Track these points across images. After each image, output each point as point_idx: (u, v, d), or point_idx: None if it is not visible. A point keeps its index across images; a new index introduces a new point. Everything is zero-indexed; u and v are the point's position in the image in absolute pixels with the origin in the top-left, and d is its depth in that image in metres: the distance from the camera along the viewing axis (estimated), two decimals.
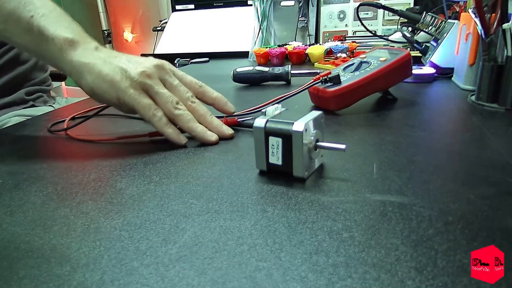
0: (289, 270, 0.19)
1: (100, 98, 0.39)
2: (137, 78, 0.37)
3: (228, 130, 0.40)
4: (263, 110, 0.31)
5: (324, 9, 1.22)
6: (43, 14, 0.39)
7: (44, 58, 0.41)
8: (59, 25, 0.39)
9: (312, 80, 0.46)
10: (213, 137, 0.39)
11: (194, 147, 0.38)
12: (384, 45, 0.92)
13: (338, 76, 0.46)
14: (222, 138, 0.40)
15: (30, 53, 0.43)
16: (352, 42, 1.01)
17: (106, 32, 2.41)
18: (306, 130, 0.28)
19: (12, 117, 0.68)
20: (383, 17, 1.16)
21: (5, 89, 0.71)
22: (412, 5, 1.11)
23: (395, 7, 0.86)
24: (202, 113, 0.40)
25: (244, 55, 1.14)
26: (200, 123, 0.39)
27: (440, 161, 0.32)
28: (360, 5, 1.00)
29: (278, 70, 0.70)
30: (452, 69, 0.67)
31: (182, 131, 0.39)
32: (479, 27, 0.48)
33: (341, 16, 1.20)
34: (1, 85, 0.70)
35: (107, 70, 0.37)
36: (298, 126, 0.27)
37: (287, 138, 0.28)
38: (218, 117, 0.42)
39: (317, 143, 0.29)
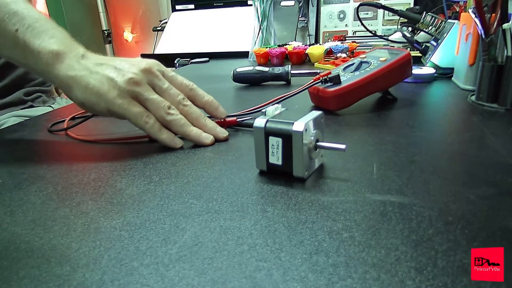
0: (289, 270, 0.19)
1: (91, 111, 0.39)
2: (125, 86, 0.36)
3: (222, 133, 0.40)
4: (263, 110, 0.31)
5: (324, 9, 1.22)
6: (28, 26, 0.38)
7: (34, 72, 0.40)
8: (44, 37, 0.38)
9: (312, 80, 0.46)
10: (208, 139, 0.39)
11: (194, 147, 0.38)
12: (384, 45, 0.92)
13: (338, 76, 0.46)
14: (217, 140, 0.40)
15: (21, 66, 0.42)
16: (352, 42, 1.02)
17: (106, 32, 2.41)
18: (306, 130, 0.28)
19: (10, 118, 0.68)
20: (383, 17, 1.16)
21: (5, 90, 0.71)
22: (412, 5, 1.11)
23: (395, 7, 0.86)
24: (195, 116, 0.39)
25: (244, 55, 1.14)
26: (194, 126, 0.39)
27: (440, 161, 0.32)
28: (360, 5, 1.00)
29: (278, 70, 0.70)
30: (452, 69, 0.67)
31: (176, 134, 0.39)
32: (479, 27, 0.48)
33: (341, 16, 1.20)
34: (1, 86, 0.70)
35: (94, 82, 0.36)
36: (298, 126, 0.27)
37: (287, 138, 0.28)
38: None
39: (317, 143, 0.29)
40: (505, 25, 0.45)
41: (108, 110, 0.37)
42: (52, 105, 0.80)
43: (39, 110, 0.74)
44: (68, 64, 0.38)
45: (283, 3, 1.26)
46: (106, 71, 0.37)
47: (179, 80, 0.41)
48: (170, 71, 0.41)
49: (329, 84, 0.47)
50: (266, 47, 1.03)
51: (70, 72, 0.37)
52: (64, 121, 0.49)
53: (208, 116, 0.41)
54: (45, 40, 0.38)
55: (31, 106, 0.75)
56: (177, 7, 1.55)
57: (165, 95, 0.39)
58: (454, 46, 0.65)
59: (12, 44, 0.39)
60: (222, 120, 0.43)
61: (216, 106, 0.42)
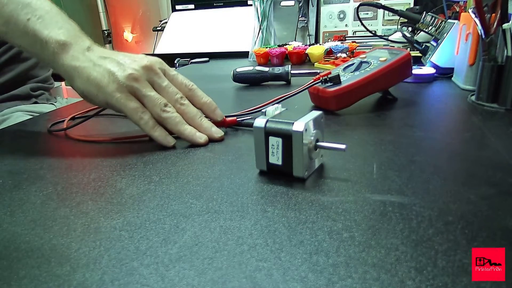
0: (289, 270, 0.19)
1: (91, 102, 0.40)
2: (124, 81, 0.37)
3: (217, 133, 0.40)
4: (263, 110, 0.31)
5: (324, 9, 1.22)
6: (40, 16, 0.40)
7: (41, 60, 0.42)
8: (53, 27, 0.40)
9: (312, 80, 0.46)
10: (202, 138, 0.39)
11: (193, 147, 0.38)
12: (384, 45, 0.92)
13: (338, 76, 0.46)
14: (212, 140, 0.40)
15: (30, 55, 0.44)
16: (352, 42, 1.01)
17: (106, 32, 2.41)
18: (306, 130, 0.28)
19: (15, 112, 0.68)
20: (383, 17, 1.16)
21: (9, 86, 0.71)
22: (412, 5, 1.11)
23: (395, 7, 0.86)
24: (191, 116, 0.40)
25: (244, 55, 1.14)
26: (189, 125, 0.39)
27: (440, 161, 0.32)
28: (360, 5, 1.00)
29: (278, 70, 0.70)
30: (452, 69, 0.67)
31: (172, 132, 0.39)
32: (479, 27, 0.48)
33: (341, 16, 1.20)
34: (4, 82, 0.70)
35: (95, 74, 0.37)
36: (298, 126, 0.27)
37: (287, 138, 0.28)
38: None
39: (317, 143, 0.29)
40: (505, 25, 0.45)
41: (106, 102, 0.38)
42: (54, 103, 0.80)
43: (43, 107, 0.74)
44: (73, 55, 0.39)
45: (283, 3, 1.26)
46: (109, 65, 0.38)
47: (180, 80, 0.41)
48: (172, 70, 0.41)
49: (329, 84, 0.47)
50: (266, 47, 1.03)
51: (74, 62, 0.38)
52: (64, 121, 0.49)
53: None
54: (53, 30, 0.39)
55: (36, 103, 0.75)
56: (177, 7, 1.55)
57: (163, 93, 0.39)
58: (454, 46, 0.65)
59: (22, 33, 0.40)
60: (221, 120, 0.42)
61: (213, 109, 0.42)
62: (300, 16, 1.30)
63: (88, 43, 0.40)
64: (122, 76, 0.37)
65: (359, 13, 1.16)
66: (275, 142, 0.28)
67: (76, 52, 0.39)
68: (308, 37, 1.33)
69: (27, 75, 0.75)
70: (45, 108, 0.74)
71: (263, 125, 0.29)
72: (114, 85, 0.37)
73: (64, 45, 0.39)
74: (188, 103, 0.40)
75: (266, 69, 0.71)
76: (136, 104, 0.38)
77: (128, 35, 2.49)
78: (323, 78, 0.46)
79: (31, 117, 0.63)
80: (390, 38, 0.88)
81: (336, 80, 0.46)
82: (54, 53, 0.39)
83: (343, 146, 0.28)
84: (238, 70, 0.71)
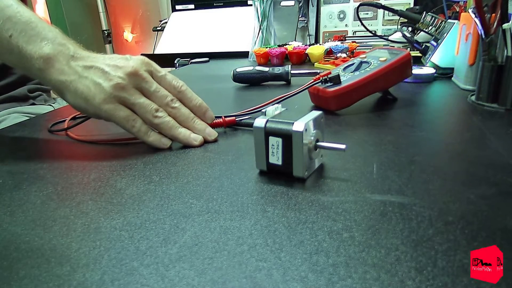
0: (289, 270, 0.19)
1: (84, 113, 0.40)
2: (111, 92, 0.37)
3: (211, 135, 0.40)
4: (263, 110, 0.31)
5: (324, 9, 1.22)
6: (21, 31, 0.39)
7: (31, 75, 0.41)
8: (35, 40, 0.38)
9: (312, 80, 0.46)
10: (197, 140, 0.39)
11: (194, 147, 0.38)
12: (384, 45, 0.92)
13: (338, 76, 0.46)
14: (206, 141, 0.39)
15: (21, 71, 0.42)
16: (352, 42, 1.01)
17: (106, 32, 2.41)
18: (306, 130, 0.28)
19: (12, 114, 0.68)
20: (383, 17, 1.16)
21: (10, 87, 0.71)
22: (412, 5, 1.11)
23: (395, 7, 0.86)
24: (183, 118, 0.39)
25: (244, 55, 1.14)
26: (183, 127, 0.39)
27: (440, 161, 0.32)
28: (360, 5, 1.00)
29: (278, 70, 0.70)
30: (452, 69, 0.67)
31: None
32: (479, 27, 0.48)
33: (341, 16, 1.20)
34: (5, 84, 0.70)
35: (82, 87, 0.37)
36: (298, 126, 0.27)
37: (287, 138, 0.28)
38: (216, 116, 0.43)
39: (317, 143, 0.29)
40: (505, 25, 0.45)
41: (96, 114, 0.38)
42: (52, 105, 0.80)
43: (40, 108, 0.74)
44: (59, 68, 0.38)
45: (283, 3, 1.26)
46: (94, 76, 0.37)
47: (168, 81, 0.40)
48: (159, 70, 0.40)
49: (329, 84, 0.47)
50: (266, 47, 1.03)
51: (61, 76, 0.38)
52: (64, 121, 0.49)
53: None
54: (36, 44, 0.38)
55: (33, 104, 0.75)
56: (177, 7, 1.55)
57: (153, 98, 0.38)
58: (454, 46, 0.65)
59: (7, 50, 0.39)
60: (220, 119, 0.42)
61: (204, 111, 0.41)
62: (300, 16, 1.30)
63: (72, 50, 0.39)
64: (108, 86, 0.37)
65: (359, 13, 1.16)
66: (275, 142, 0.28)
67: (61, 64, 0.38)
68: (308, 37, 1.33)
69: (26, 77, 0.75)
70: (43, 109, 0.74)
71: (263, 125, 0.29)
72: (101, 96, 0.37)
73: (48, 59, 0.38)
74: (179, 105, 0.40)
75: (266, 69, 0.71)
76: (126, 113, 0.37)
77: (128, 35, 2.49)
78: (323, 78, 0.46)
79: (28, 118, 0.63)
80: (390, 38, 0.88)
81: (336, 80, 0.46)
82: (41, 70, 0.38)
83: (343, 146, 0.28)
84: (238, 70, 0.71)
